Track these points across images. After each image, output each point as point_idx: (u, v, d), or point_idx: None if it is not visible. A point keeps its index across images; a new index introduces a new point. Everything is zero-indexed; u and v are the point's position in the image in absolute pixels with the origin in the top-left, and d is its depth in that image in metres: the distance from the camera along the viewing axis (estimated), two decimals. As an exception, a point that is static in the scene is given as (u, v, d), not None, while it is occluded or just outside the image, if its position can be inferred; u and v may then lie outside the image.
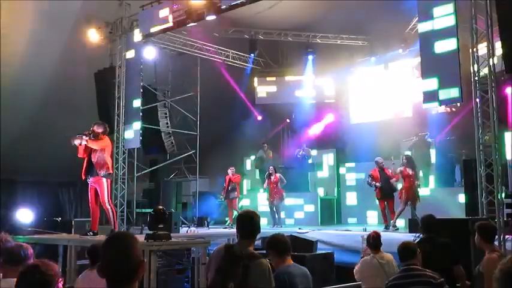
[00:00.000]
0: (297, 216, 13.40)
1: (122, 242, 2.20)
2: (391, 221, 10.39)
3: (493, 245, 5.08)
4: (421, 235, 5.72)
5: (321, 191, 14.14)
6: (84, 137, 7.98)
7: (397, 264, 5.57)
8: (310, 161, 14.68)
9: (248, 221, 3.70)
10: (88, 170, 8.20)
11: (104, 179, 8.18)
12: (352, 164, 14.16)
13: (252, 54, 15.45)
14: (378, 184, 10.63)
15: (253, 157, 15.68)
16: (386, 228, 10.30)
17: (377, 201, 11.08)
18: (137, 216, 12.44)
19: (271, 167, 12.75)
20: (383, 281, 5.27)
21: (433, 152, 12.56)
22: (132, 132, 11.80)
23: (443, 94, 7.75)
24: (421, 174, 11.48)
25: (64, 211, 16.44)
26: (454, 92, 7.59)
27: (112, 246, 2.19)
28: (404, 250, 4.33)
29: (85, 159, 8.20)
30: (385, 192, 10.68)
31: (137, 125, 11.74)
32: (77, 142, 7.98)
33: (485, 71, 7.50)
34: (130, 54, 11.99)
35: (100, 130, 8.27)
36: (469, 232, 5.83)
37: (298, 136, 16.18)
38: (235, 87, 16.04)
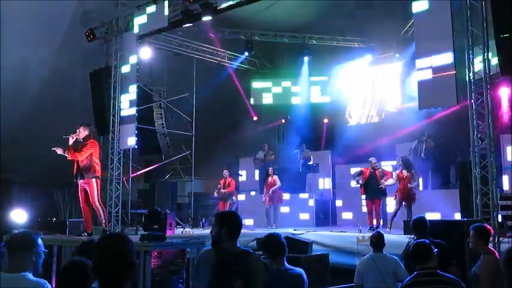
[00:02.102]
0: (292, 217, 13.36)
1: (113, 243, 2.20)
2: (388, 223, 10.40)
3: (488, 247, 5.09)
4: (415, 236, 5.72)
5: (316, 192, 14.11)
6: (65, 151, 8.00)
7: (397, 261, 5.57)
8: (308, 162, 14.63)
9: (235, 222, 3.78)
10: (78, 173, 8.25)
11: (94, 180, 8.21)
12: (348, 165, 14.14)
13: (246, 52, 15.41)
14: (361, 181, 10.69)
15: (249, 158, 15.61)
16: (371, 229, 10.26)
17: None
18: (132, 216, 12.41)
19: (270, 168, 12.73)
20: (377, 279, 5.30)
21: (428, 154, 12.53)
22: (128, 132, 11.75)
23: (439, 95, 7.77)
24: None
25: (59, 211, 16.38)
26: (450, 95, 7.61)
27: (104, 247, 2.19)
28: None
29: (75, 162, 8.24)
30: (372, 193, 10.72)
31: (132, 126, 11.70)
32: (59, 152, 8.00)
33: (480, 73, 7.53)
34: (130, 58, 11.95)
35: (86, 132, 8.25)
36: (463, 234, 5.83)
37: (294, 137, 16.16)
38: (231, 88, 16.02)
